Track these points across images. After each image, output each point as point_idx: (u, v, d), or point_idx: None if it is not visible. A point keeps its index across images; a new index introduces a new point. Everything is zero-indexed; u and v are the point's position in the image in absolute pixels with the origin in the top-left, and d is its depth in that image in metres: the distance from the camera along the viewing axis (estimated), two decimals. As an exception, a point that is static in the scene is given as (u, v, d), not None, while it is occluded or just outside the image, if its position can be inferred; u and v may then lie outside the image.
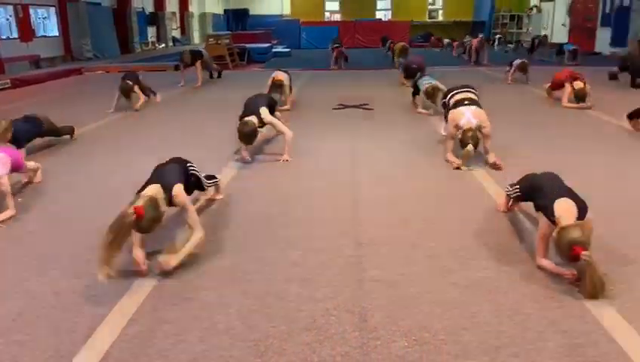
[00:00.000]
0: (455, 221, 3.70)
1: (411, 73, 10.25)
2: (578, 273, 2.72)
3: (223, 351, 2.31)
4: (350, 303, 2.66)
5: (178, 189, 3.10)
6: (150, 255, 3.03)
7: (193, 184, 3.56)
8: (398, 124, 7.03)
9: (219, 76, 12.33)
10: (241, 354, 2.28)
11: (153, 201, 2.87)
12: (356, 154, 5.55)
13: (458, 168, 4.89)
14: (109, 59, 16.98)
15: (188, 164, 3.54)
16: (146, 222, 2.80)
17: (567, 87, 8.09)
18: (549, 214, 2.89)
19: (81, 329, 2.47)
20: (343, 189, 4.42)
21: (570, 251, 2.65)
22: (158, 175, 3.22)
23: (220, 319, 2.54)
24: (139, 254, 2.97)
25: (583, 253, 2.61)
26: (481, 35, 17.09)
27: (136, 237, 2.97)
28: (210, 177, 3.88)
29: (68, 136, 6.25)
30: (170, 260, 2.95)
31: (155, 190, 3.01)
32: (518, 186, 3.48)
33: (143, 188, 3.08)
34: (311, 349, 2.30)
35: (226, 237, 3.48)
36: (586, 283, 2.64)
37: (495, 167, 4.85)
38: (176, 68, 11.46)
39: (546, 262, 2.94)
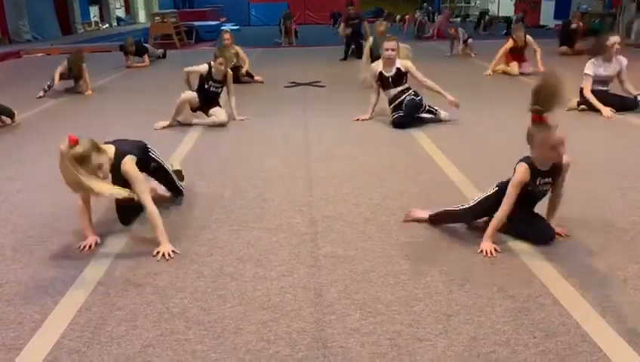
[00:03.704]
0: (407, 195, 3.76)
1: (352, 23, 11.14)
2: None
3: (178, 334, 2.28)
4: (305, 280, 2.68)
5: (129, 159, 2.99)
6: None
7: (155, 170, 3.46)
8: (349, 101, 7.04)
9: (163, 56, 12.03)
10: (196, 336, 2.27)
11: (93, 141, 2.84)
12: (308, 132, 5.54)
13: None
14: (50, 41, 16.26)
15: (149, 147, 3.43)
16: (81, 148, 2.72)
17: (509, 42, 8.68)
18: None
19: (29, 320, 2.40)
20: (296, 167, 4.42)
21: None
22: (115, 141, 3.17)
23: (174, 303, 2.51)
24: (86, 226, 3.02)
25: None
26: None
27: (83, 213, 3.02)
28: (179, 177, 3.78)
29: (8, 121, 5.99)
30: (167, 246, 2.92)
31: (105, 146, 2.98)
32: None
33: None
34: (267, 327, 2.31)
35: (178, 221, 3.43)
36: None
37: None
38: (122, 48, 11.11)
39: None
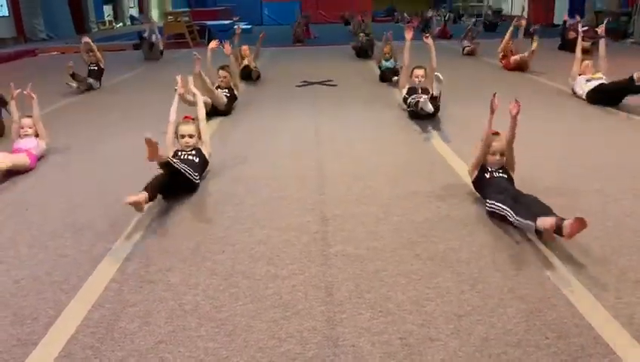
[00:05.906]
0: (419, 195, 3.75)
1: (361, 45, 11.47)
2: None
3: (190, 331, 2.30)
4: (316, 279, 2.68)
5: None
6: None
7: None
8: (361, 100, 7.04)
9: (161, 53, 11.99)
10: (208, 333, 2.28)
11: None
12: (320, 131, 5.55)
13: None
14: (64, 40, 16.40)
15: None
16: None
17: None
18: None
19: (44, 316, 2.43)
20: (308, 166, 4.42)
21: None
22: None
23: (186, 300, 2.53)
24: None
25: None
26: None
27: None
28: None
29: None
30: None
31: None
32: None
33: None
34: (278, 325, 2.32)
35: (190, 218, 3.45)
36: None
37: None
38: (135, 47, 11.19)
39: None
